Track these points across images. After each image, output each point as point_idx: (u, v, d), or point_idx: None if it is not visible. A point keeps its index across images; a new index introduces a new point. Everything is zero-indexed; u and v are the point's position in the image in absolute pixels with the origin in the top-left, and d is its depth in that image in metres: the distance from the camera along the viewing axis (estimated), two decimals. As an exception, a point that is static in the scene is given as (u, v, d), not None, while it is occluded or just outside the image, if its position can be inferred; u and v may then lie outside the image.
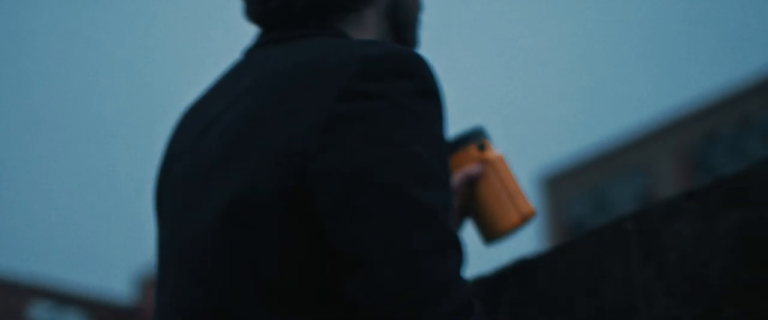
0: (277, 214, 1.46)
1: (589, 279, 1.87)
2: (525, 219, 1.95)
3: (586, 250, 1.88)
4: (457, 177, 1.97)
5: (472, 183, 1.98)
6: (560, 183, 31.48)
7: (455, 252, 1.44)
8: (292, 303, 1.45)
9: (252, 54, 1.68)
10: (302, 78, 1.51)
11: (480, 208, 1.99)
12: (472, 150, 2.01)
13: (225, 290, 1.48)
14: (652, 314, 1.76)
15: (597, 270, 1.86)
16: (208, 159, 1.56)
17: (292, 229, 1.45)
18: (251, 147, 1.50)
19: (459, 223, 2.01)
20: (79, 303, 42.73)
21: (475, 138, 2.03)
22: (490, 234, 1.98)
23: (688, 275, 1.72)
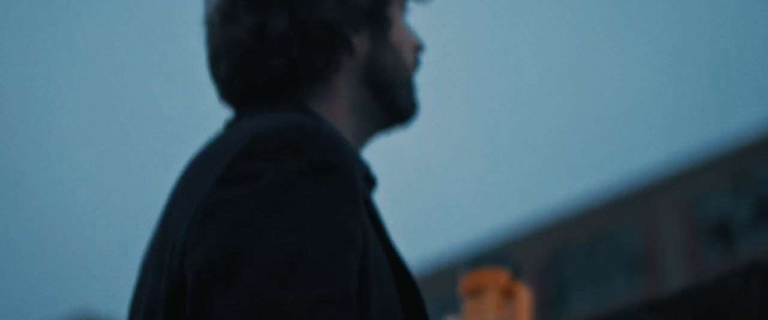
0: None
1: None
2: None
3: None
4: None
5: (482, 307, 1.94)
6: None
7: None
8: None
9: (226, 128, 1.58)
10: (210, 162, 1.41)
11: None
12: (504, 273, 1.96)
13: None
14: None
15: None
16: (155, 241, 1.47)
17: None
18: (167, 238, 1.41)
19: None
20: None
21: (510, 263, 1.98)
22: None
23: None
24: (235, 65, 1.60)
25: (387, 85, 1.64)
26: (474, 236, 31.76)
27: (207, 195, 1.34)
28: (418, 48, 1.70)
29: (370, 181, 1.61)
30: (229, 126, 1.57)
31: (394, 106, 1.65)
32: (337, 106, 1.62)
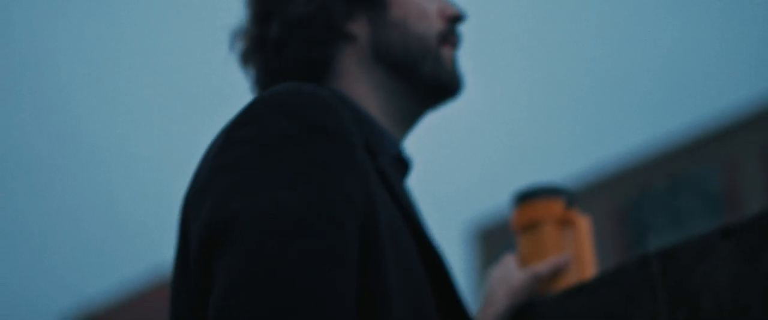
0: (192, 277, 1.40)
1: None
2: None
3: (604, 293, 1.71)
4: (518, 279, 1.85)
5: (540, 240, 1.88)
6: (494, 237, 31.43)
7: (315, 306, 1.27)
8: None
9: None
10: (218, 135, 1.48)
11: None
12: (558, 203, 1.90)
13: None
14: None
15: (618, 317, 1.68)
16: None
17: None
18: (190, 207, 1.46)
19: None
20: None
21: (564, 193, 1.91)
22: (541, 291, 1.86)
23: (728, 321, 1.54)
24: (249, 75, 1.74)
25: (400, 61, 1.68)
26: (556, 180, 31.65)
27: (212, 161, 1.40)
28: (452, 17, 1.74)
29: (402, 163, 1.66)
30: None
31: (418, 79, 1.69)
32: (357, 90, 1.67)
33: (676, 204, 28.10)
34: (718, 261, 1.57)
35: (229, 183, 1.35)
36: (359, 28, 1.71)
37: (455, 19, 1.76)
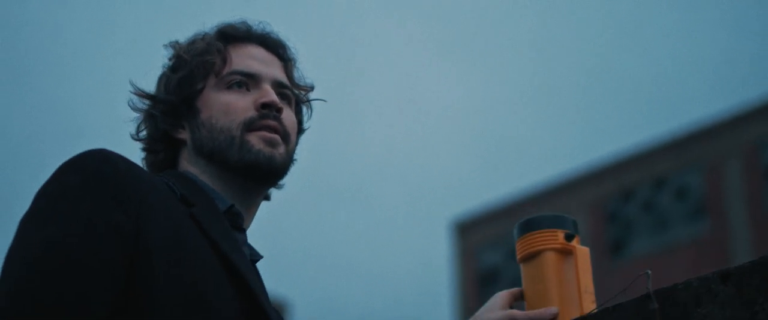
0: None
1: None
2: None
3: (603, 329, 1.74)
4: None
5: (541, 270, 1.99)
6: (473, 231, 31.48)
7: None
8: None
9: None
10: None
11: (542, 296, 1.91)
12: (559, 234, 1.96)
13: None
14: None
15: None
16: None
17: None
18: None
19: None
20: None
21: (565, 224, 1.98)
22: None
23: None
24: None
25: (211, 153, 2.08)
26: (539, 179, 31.63)
27: None
28: (261, 105, 2.09)
29: (232, 215, 2.06)
30: None
31: (228, 164, 2.07)
32: (199, 176, 2.08)
33: (658, 205, 28.17)
34: (717, 304, 1.60)
35: (18, 229, 1.82)
36: (184, 134, 2.12)
37: (264, 106, 2.09)
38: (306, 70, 2.26)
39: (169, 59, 2.18)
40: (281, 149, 2.10)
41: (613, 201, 28.96)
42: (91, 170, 1.85)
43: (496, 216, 31.07)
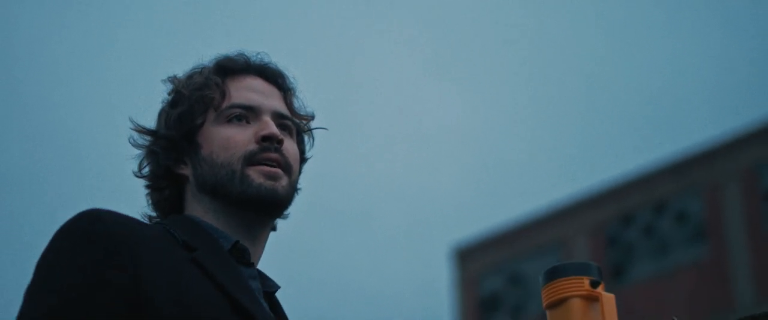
0: None
1: None
2: None
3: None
4: None
5: (567, 316, 2.00)
6: (473, 257, 31.47)
7: None
8: None
9: None
10: None
11: None
12: (584, 281, 2.00)
13: None
14: None
15: None
16: None
17: None
18: None
19: None
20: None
21: (590, 271, 2.02)
22: None
23: None
24: None
25: (213, 188, 2.10)
26: (539, 204, 31.62)
27: None
28: (261, 138, 2.10)
29: (238, 252, 2.07)
30: None
31: (230, 198, 2.09)
32: (201, 214, 2.11)
33: (658, 229, 28.19)
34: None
35: (22, 302, 1.89)
36: (186, 170, 2.14)
37: (265, 138, 2.10)
38: (305, 96, 2.27)
39: (168, 94, 2.19)
40: (283, 181, 2.11)
41: (613, 226, 28.99)
42: (80, 233, 1.92)
43: (497, 242, 31.09)
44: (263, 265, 2.19)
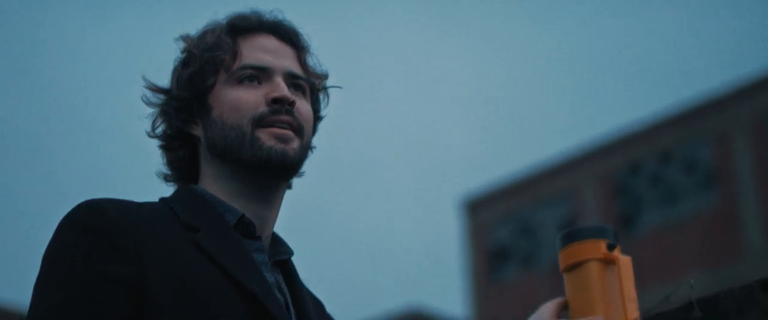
0: None
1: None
2: None
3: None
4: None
5: (585, 280, 2.02)
6: (483, 208, 31.46)
7: None
8: None
9: None
10: None
11: (587, 305, 1.96)
12: (601, 244, 2.01)
13: None
14: None
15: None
16: None
17: None
18: None
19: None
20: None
21: (606, 234, 2.03)
22: None
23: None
24: None
25: (224, 151, 2.07)
26: (547, 154, 31.54)
27: None
28: (272, 100, 2.07)
29: (243, 226, 2.04)
30: None
31: (241, 162, 2.05)
32: (206, 182, 2.10)
33: (667, 178, 28.16)
34: (759, 312, 1.65)
35: (31, 296, 1.90)
36: (198, 130, 2.12)
37: (275, 101, 2.07)
38: (319, 53, 2.24)
39: (181, 53, 2.16)
40: (294, 144, 2.08)
41: (621, 175, 28.95)
42: (81, 226, 1.91)
43: (506, 192, 31.08)
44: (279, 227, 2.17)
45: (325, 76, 2.22)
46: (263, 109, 2.07)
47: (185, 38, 2.15)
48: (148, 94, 2.15)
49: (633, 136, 28.99)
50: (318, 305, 2.19)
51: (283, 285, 2.08)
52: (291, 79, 2.12)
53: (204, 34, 2.14)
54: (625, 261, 1.99)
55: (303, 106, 2.12)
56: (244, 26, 2.14)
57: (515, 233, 30.35)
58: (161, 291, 1.88)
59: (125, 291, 1.87)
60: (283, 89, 2.08)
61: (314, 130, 2.18)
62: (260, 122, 2.06)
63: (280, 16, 2.18)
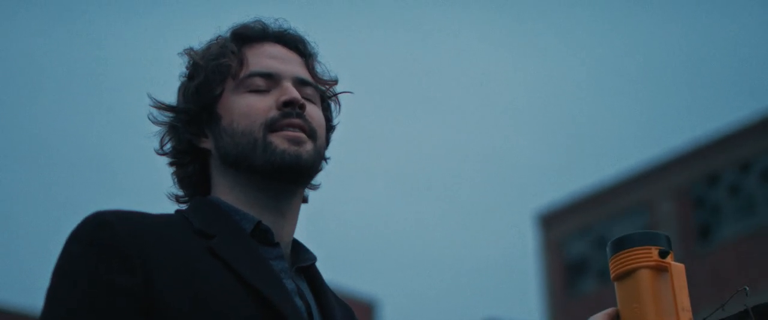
0: None
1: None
2: None
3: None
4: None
5: (635, 288, 1.95)
6: (558, 222, 31.33)
7: None
8: None
9: None
10: None
11: (638, 315, 1.90)
12: (653, 251, 1.95)
13: None
14: None
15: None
16: None
17: None
18: None
19: None
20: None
21: (659, 241, 1.97)
22: None
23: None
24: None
25: (236, 160, 2.02)
26: (623, 165, 31.34)
27: None
28: (282, 104, 2.02)
29: (260, 233, 1.99)
30: None
31: (254, 169, 2.01)
32: (221, 192, 2.05)
33: (745, 188, 27.85)
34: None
35: (42, 307, 1.87)
36: (208, 143, 2.07)
37: (286, 104, 2.02)
38: (327, 61, 2.18)
39: (186, 68, 2.12)
40: (308, 147, 2.03)
41: (698, 187, 28.68)
42: (87, 239, 1.87)
43: (582, 205, 30.93)
44: (305, 243, 2.12)
45: (335, 82, 2.18)
46: (274, 113, 2.03)
47: (189, 51, 2.12)
48: (155, 112, 2.12)
49: (710, 146, 28.72)
50: (346, 311, 2.13)
51: (307, 292, 2.03)
52: (300, 84, 2.09)
53: (208, 46, 2.11)
54: (678, 268, 1.93)
55: (314, 111, 2.08)
56: (248, 35, 2.11)
57: (591, 246, 30.16)
58: (175, 300, 1.84)
59: (132, 303, 1.83)
60: (292, 92, 2.04)
61: (328, 140, 2.14)
62: (272, 126, 2.02)
63: (285, 25, 2.15)
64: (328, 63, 2.18)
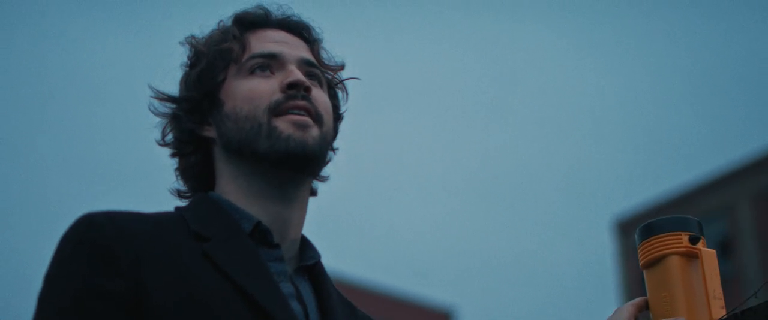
0: None
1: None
2: None
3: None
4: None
5: (665, 276, 1.88)
6: (636, 229, 31.07)
7: None
8: None
9: None
10: None
11: (668, 304, 1.84)
12: (683, 237, 1.88)
13: None
14: None
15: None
16: None
17: None
18: None
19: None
20: None
21: (689, 226, 1.90)
22: None
23: None
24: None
25: (240, 147, 1.95)
26: (701, 171, 31.02)
27: None
28: (287, 86, 1.96)
29: (259, 234, 1.92)
30: None
31: (259, 156, 1.94)
32: (223, 185, 1.99)
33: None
34: None
35: (34, 311, 1.83)
36: (211, 131, 2.01)
37: (290, 86, 1.96)
38: (332, 47, 2.13)
39: (187, 57, 2.06)
40: (314, 131, 1.95)
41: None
42: (76, 241, 1.82)
43: (660, 211, 30.63)
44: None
45: (341, 67, 2.12)
46: (278, 96, 1.96)
47: (190, 40, 2.07)
48: (155, 103, 2.06)
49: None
50: (350, 310, 2.04)
51: (308, 294, 1.96)
52: (305, 66, 2.02)
53: (210, 33, 2.06)
54: (708, 254, 1.85)
55: (320, 95, 2.01)
56: (251, 20, 2.06)
57: (670, 252, 29.89)
58: (163, 304, 1.78)
59: (120, 306, 1.77)
60: (297, 74, 1.98)
61: (336, 129, 2.08)
62: (276, 110, 1.95)
63: (288, 11, 2.09)
64: (333, 50, 2.12)
